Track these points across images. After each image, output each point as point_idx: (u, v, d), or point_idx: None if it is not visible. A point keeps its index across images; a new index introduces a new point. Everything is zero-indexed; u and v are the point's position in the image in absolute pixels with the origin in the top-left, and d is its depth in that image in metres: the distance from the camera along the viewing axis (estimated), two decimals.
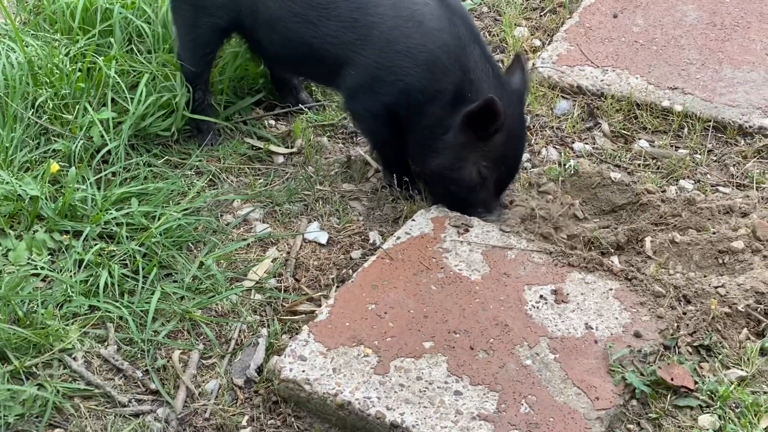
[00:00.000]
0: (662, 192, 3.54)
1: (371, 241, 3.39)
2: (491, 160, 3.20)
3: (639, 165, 3.68)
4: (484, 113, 3.07)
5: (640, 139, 3.83)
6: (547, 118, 3.95)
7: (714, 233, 3.32)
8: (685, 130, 3.81)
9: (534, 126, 3.92)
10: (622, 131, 3.86)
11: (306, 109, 3.93)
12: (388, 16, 3.11)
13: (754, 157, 3.71)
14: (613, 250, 3.32)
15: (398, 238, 3.23)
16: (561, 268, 3.11)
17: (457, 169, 3.19)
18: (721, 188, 3.59)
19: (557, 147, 3.84)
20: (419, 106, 3.13)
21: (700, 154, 3.72)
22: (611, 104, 3.94)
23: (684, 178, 3.63)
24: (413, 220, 3.31)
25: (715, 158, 3.72)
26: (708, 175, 3.63)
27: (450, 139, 3.16)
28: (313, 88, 4.04)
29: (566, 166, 3.66)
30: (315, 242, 3.38)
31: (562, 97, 4.01)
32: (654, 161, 3.70)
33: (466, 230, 3.29)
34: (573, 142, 3.84)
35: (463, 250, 3.17)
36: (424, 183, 3.38)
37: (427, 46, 3.09)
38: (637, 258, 3.30)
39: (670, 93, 3.94)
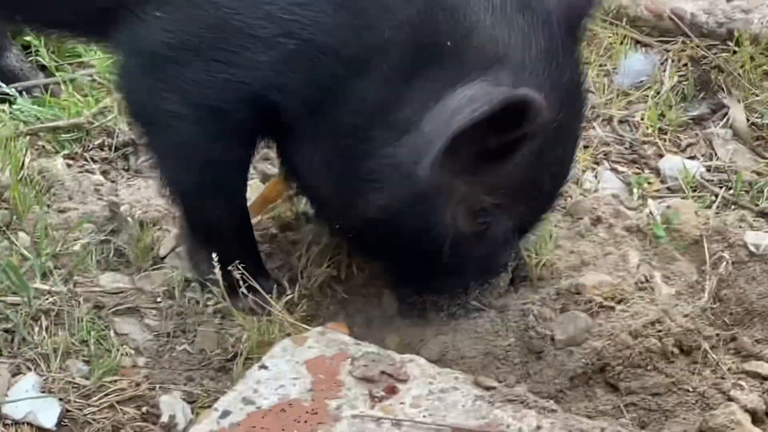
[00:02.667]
0: None
1: (163, 419, 2.14)
2: (504, 192, 2.20)
3: None
4: (502, 118, 2.02)
5: None
6: (596, 94, 2.86)
7: None
8: None
9: None
10: None
11: (14, 93, 2.84)
12: None
13: None
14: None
15: (226, 414, 2.01)
16: None
17: (426, 214, 2.19)
18: None
19: (620, 166, 2.77)
20: (333, 86, 2.14)
21: None
22: (754, 57, 2.91)
23: None
24: (264, 366, 2.08)
25: None
26: None
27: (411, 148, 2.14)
28: (38, 48, 3.01)
29: (645, 216, 2.58)
30: (33, 426, 2.17)
31: (636, 42, 3.00)
32: None
33: (392, 391, 2.03)
34: (659, 155, 2.76)
35: None
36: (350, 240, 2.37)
37: None
38: None
39: None
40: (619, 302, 2.41)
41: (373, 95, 2.15)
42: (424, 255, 2.27)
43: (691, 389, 2.23)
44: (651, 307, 2.40)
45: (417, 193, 2.17)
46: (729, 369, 2.25)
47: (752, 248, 2.52)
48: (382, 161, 2.16)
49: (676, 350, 2.31)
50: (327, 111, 2.19)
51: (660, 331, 2.32)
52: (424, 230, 2.21)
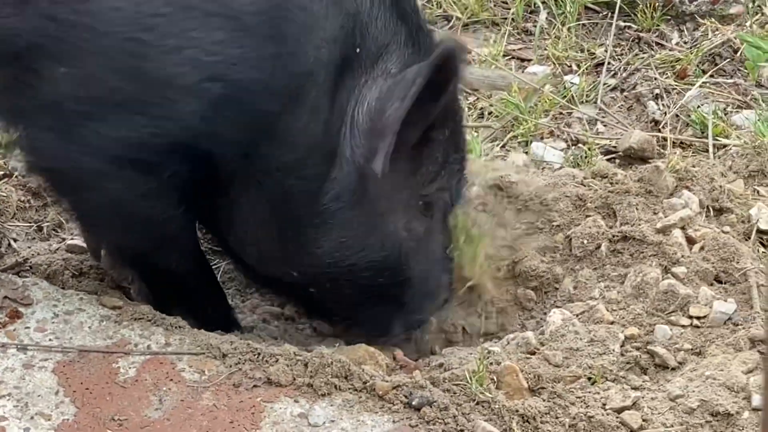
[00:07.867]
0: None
1: None
2: (443, 171, 2.00)
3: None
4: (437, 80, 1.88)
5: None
6: None
7: None
8: None
9: None
10: None
11: None
12: None
13: None
14: None
15: None
16: (248, 392, 1.89)
17: (382, 237, 1.97)
18: None
19: None
20: (268, 124, 1.91)
21: None
22: None
23: None
24: None
25: None
26: None
27: (352, 171, 1.92)
28: None
29: None
30: None
31: None
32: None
33: (15, 315, 1.98)
34: None
35: (8, 368, 1.94)
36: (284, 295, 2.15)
37: None
38: None
39: None
40: None
41: (307, 126, 1.95)
42: (387, 284, 2.03)
43: None
44: None
45: (368, 216, 1.97)
46: None
47: None
48: (326, 197, 1.96)
49: None
50: (264, 153, 1.96)
51: None
52: (384, 258, 2.00)
